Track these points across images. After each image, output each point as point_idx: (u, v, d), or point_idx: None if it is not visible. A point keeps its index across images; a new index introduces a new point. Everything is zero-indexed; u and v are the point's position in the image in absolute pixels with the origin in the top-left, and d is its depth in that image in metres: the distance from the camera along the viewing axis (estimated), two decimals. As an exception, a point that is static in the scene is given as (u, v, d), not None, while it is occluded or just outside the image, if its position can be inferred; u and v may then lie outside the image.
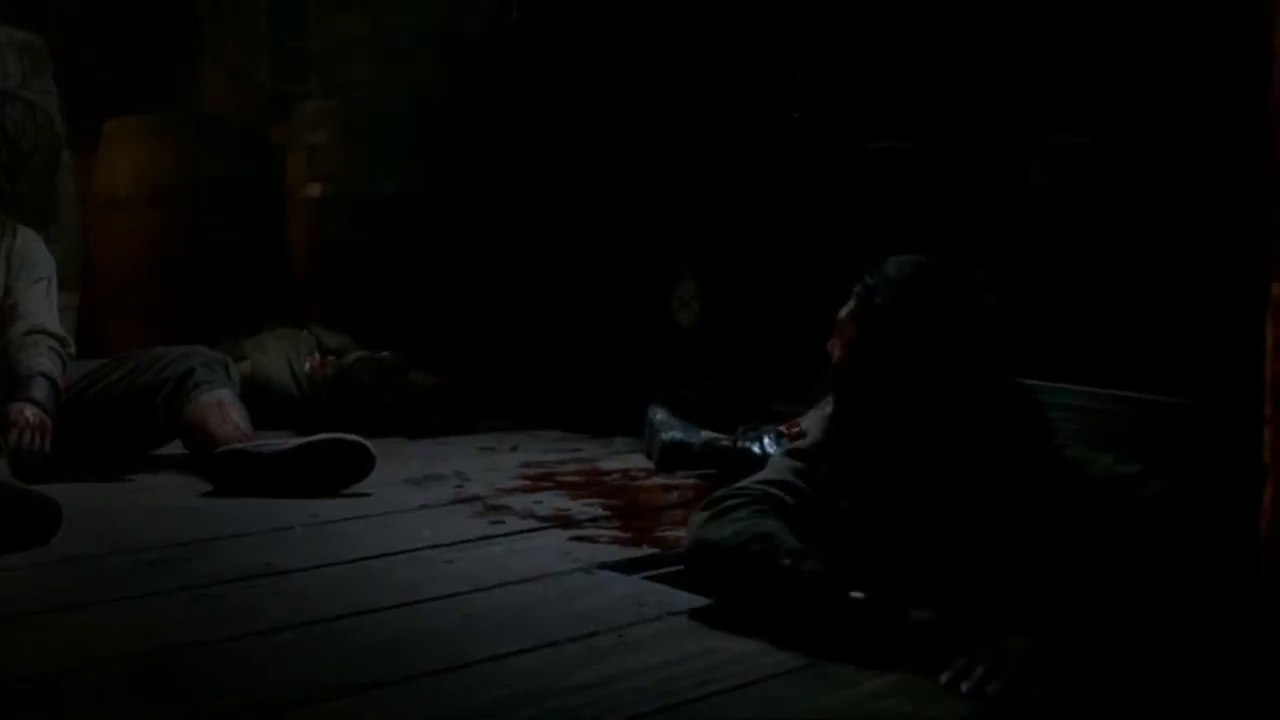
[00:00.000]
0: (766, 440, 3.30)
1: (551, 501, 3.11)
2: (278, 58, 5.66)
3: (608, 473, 3.50)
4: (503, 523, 2.86)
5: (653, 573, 2.45)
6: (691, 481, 3.34)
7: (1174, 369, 2.94)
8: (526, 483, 3.34)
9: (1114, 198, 3.26)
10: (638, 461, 3.62)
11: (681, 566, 2.29)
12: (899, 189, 3.65)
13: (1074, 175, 3.35)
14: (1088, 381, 2.46)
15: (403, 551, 2.60)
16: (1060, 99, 3.37)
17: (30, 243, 3.61)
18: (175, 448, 3.47)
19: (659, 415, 3.61)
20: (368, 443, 3.18)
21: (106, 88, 5.41)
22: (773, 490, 2.17)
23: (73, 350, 3.51)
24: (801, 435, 3.21)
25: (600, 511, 3.01)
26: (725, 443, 3.41)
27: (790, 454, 2.27)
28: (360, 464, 3.17)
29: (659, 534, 2.79)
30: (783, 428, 3.31)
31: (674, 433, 3.52)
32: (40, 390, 3.29)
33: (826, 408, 2.26)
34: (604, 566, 2.49)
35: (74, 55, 5.09)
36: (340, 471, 3.16)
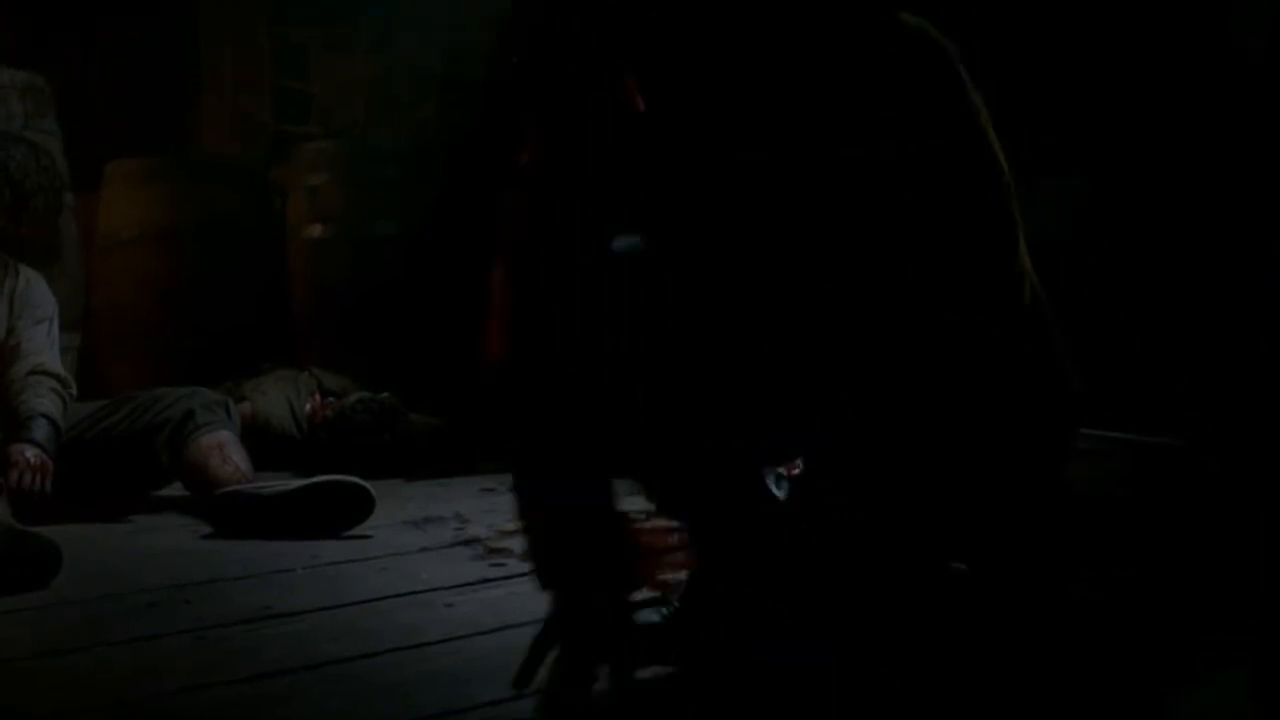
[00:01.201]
0: (768, 482, 3.30)
1: (552, 544, 3.11)
2: (279, 99, 5.70)
3: (608, 515, 3.49)
4: (504, 565, 2.86)
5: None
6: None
7: (1165, 410, 2.95)
8: (527, 525, 3.34)
9: (1110, 240, 3.28)
10: (638, 504, 3.60)
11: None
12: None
13: (1071, 218, 3.36)
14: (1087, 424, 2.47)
15: (403, 594, 2.60)
16: (1057, 142, 3.39)
17: (33, 283, 3.62)
18: (176, 489, 3.48)
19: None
20: (367, 485, 3.19)
21: (109, 129, 5.43)
22: None
23: (74, 391, 3.52)
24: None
25: (600, 554, 3.01)
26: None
27: None
28: (360, 506, 3.17)
29: (660, 577, 2.79)
30: (782, 469, 3.30)
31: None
32: (41, 431, 3.30)
33: None
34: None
35: (76, 96, 5.11)
36: (340, 513, 3.16)
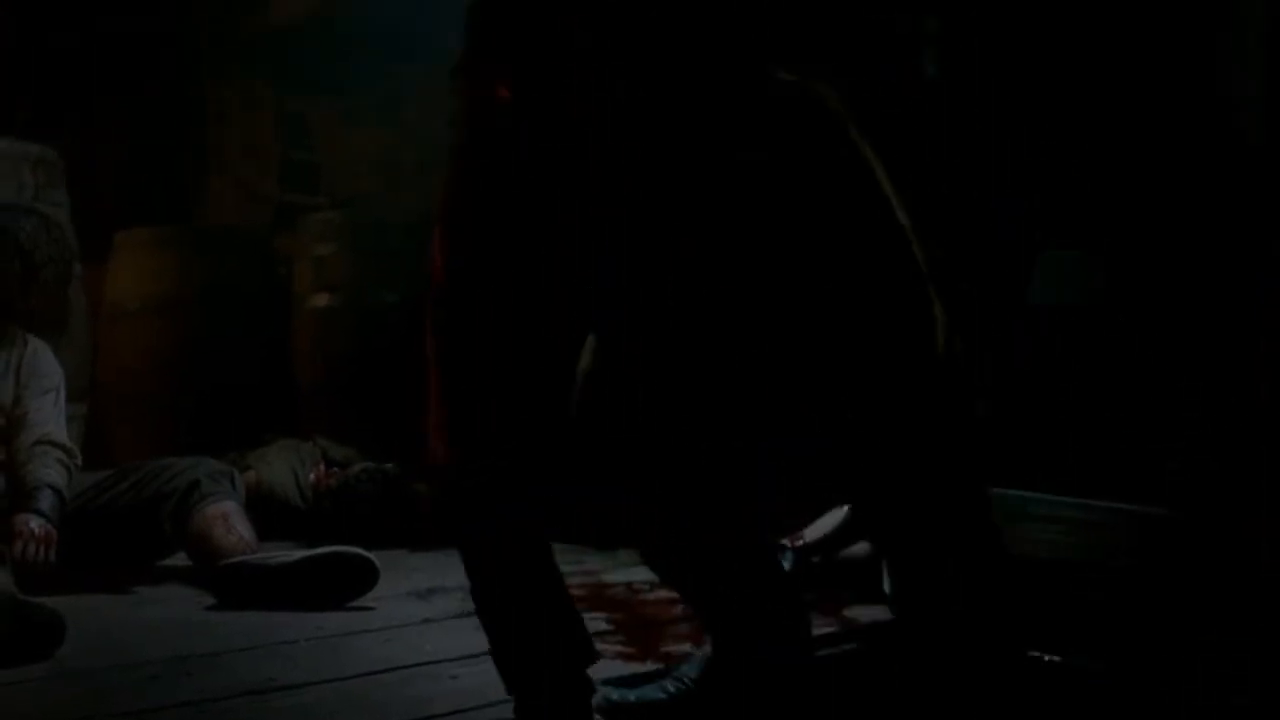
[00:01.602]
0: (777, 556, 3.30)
1: (555, 615, 3.10)
2: (285, 170, 5.75)
3: (611, 585, 3.49)
4: (507, 637, 2.85)
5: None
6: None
7: (1165, 481, 2.95)
8: (530, 596, 3.33)
9: (1111, 310, 3.29)
10: (642, 574, 3.60)
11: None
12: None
13: (1072, 288, 3.38)
14: (1080, 493, 2.48)
15: (408, 666, 2.60)
16: (1059, 213, 3.41)
17: (40, 353, 3.64)
18: (180, 559, 3.47)
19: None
20: (371, 556, 3.19)
21: (117, 200, 5.48)
22: None
23: (79, 461, 3.53)
24: (806, 547, 3.21)
25: (604, 625, 3.00)
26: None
27: None
28: (364, 577, 3.17)
29: (664, 649, 2.78)
30: (785, 540, 3.30)
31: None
32: (46, 501, 3.30)
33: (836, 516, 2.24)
34: (608, 683, 2.48)
35: (86, 167, 5.16)
36: (344, 584, 3.16)
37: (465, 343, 2.06)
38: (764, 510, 2.15)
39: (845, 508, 3.12)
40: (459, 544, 2.10)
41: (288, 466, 4.22)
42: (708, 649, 2.28)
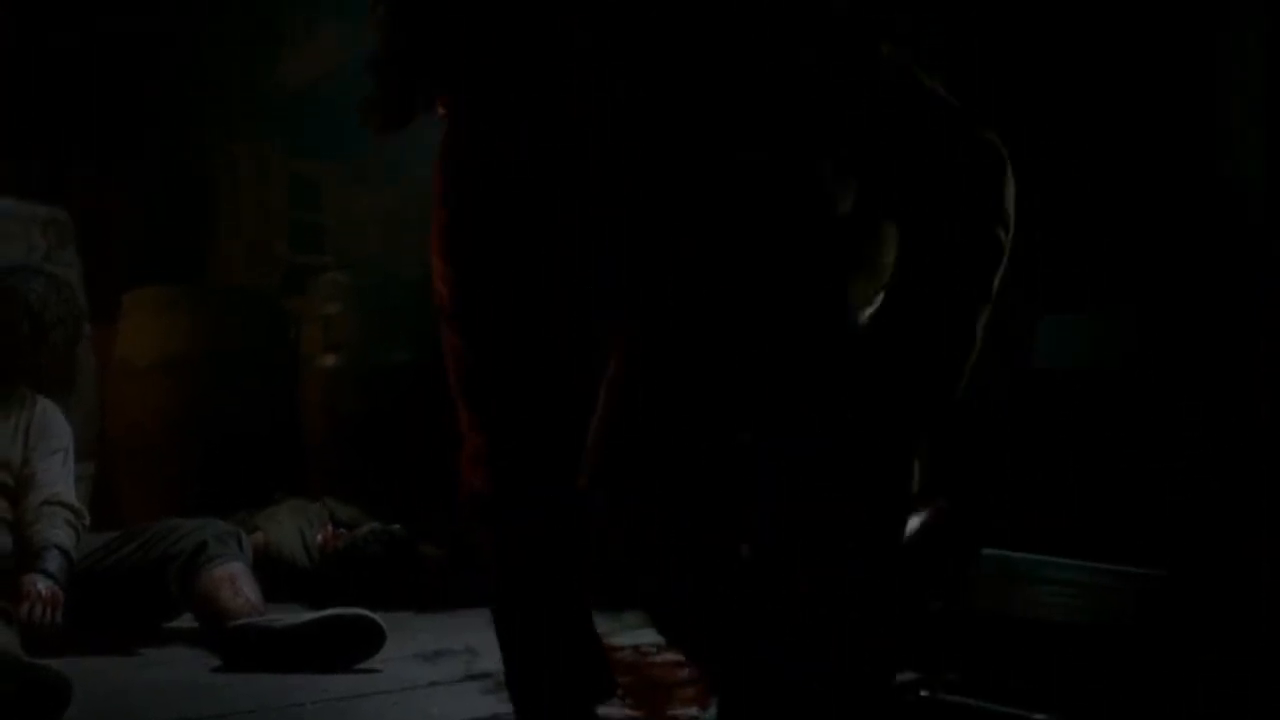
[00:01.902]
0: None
1: (563, 678, 3.09)
2: (294, 231, 5.79)
3: (619, 649, 3.48)
4: (515, 700, 2.84)
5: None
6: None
7: (1169, 544, 2.95)
8: (537, 658, 3.32)
9: (1115, 374, 3.30)
10: (649, 637, 3.59)
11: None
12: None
13: (1075, 353, 3.39)
14: (1085, 556, 2.48)
15: (414, 729, 2.59)
16: (1061, 277, 3.43)
17: (49, 413, 3.65)
18: (187, 620, 3.47)
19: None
20: (378, 618, 3.19)
21: (127, 260, 5.51)
22: None
23: (87, 521, 3.53)
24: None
25: (612, 688, 2.99)
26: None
27: None
28: (371, 639, 3.17)
29: (671, 712, 2.78)
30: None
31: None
32: (53, 562, 3.30)
33: None
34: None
35: (96, 228, 5.19)
36: (351, 646, 3.16)
37: (479, 366, 2.06)
38: (765, 511, 2.14)
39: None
40: (494, 565, 2.09)
41: (295, 527, 4.23)
42: (713, 710, 2.28)
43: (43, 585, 3.23)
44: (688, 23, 1.98)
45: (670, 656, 3.38)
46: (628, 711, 2.77)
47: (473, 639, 3.52)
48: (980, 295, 1.95)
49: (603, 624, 3.73)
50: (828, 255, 1.97)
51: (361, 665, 3.14)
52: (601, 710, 2.75)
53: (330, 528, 4.26)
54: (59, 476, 3.55)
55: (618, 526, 1.99)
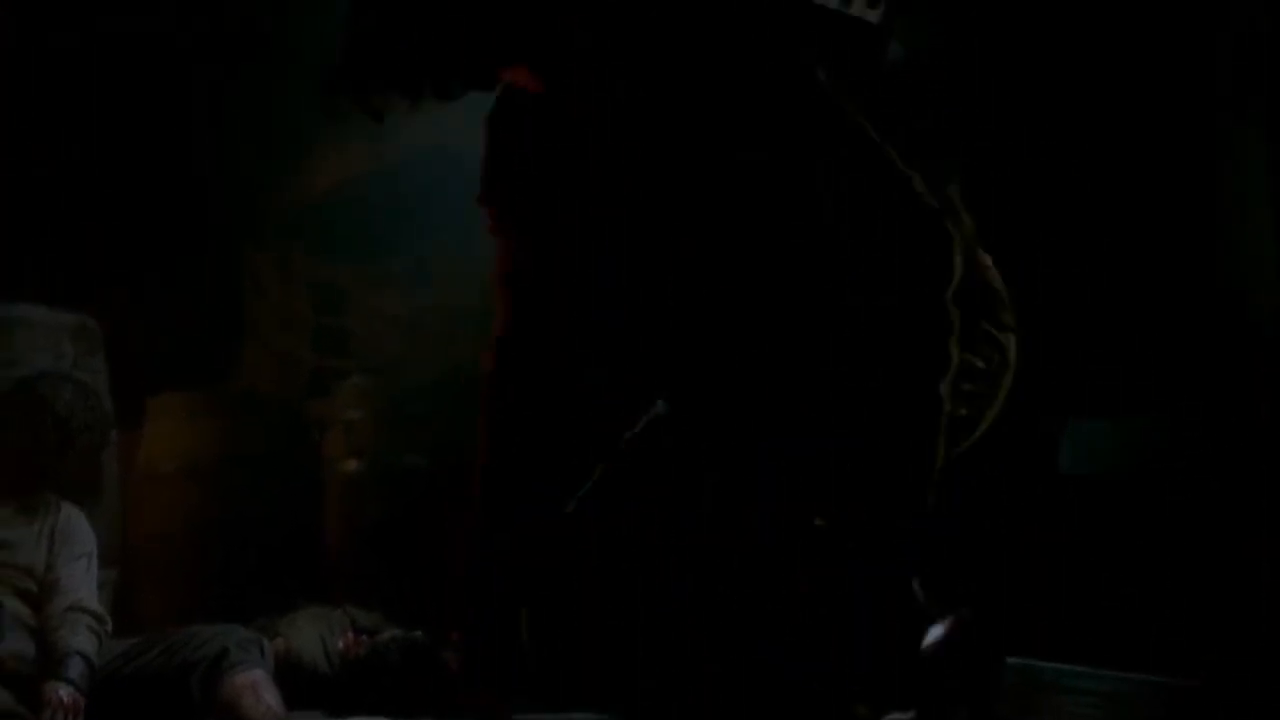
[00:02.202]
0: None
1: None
2: (318, 336, 5.83)
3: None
4: (537, 810, 2.82)
5: None
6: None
7: (1198, 652, 2.93)
8: (560, 768, 3.29)
9: (1141, 480, 3.30)
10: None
11: None
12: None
13: (1102, 457, 3.39)
14: (1113, 665, 2.47)
15: (436, 841, 2.57)
16: (1089, 382, 3.44)
17: (74, 519, 3.67)
18: (208, 728, 3.46)
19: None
20: (399, 726, 3.18)
21: (151, 365, 5.55)
22: None
23: (109, 627, 3.54)
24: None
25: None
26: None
27: None
28: (392, 747, 3.16)
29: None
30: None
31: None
32: (75, 669, 3.31)
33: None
34: None
35: (122, 334, 5.24)
36: (372, 755, 3.15)
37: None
38: (766, 511, 2.13)
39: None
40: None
41: (316, 634, 4.22)
42: None
43: (64, 692, 3.24)
44: (688, 22, 2.01)
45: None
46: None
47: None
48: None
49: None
50: (827, 255, 1.97)
51: (382, 774, 3.12)
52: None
53: (351, 634, 4.25)
54: (82, 582, 3.56)
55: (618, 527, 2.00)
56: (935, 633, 2.39)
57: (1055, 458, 3.44)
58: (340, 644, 4.20)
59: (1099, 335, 3.44)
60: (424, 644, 4.12)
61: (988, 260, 2.05)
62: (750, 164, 1.97)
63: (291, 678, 3.79)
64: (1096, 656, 2.59)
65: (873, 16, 2.81)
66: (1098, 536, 3.33)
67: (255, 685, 3.37)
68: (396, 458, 4.94)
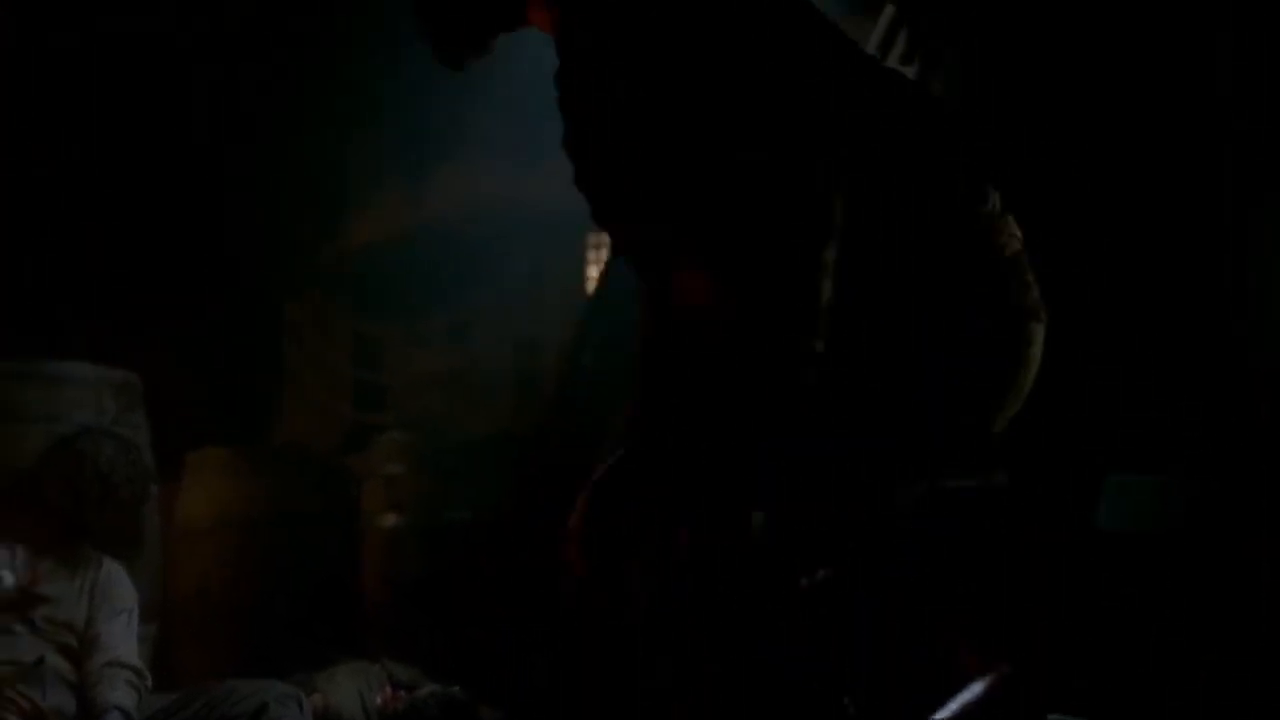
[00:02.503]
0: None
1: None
2: (357, 391, 5.87)
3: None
4: None
5: None
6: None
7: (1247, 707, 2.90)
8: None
9: (1183, 537, 3.28)
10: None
11: None
12: (965, 528, 3.68)
13: (1141, 514, 3.37)
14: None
15: None
16: (1127, 437, 3.43)
17: (114, 574, 3.69)
18: (245, 784, 3.45)
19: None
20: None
21: (192, 420, 5.59)
22: None
23: (149, 682, 3.55)
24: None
25: None
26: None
27: None
28: (431, 805, 3.15)
29: None
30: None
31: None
32: (114, 726, 3.32)
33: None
34: None
35: (162, 389, 5.28)
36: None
37: None
38: (766, 511, 2.11)
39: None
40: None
41: (354, 689, 4.21)
42: None
43: (105, 747, 3.25)
44: (688, 22, 2.01)
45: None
46: None
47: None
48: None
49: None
50: (827, 254, 1.96)
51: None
52: None
53: (390, 689, 4.24)
54: (122, 638, 3.58)
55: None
56: (976, 690, 2.37)
57: (1094, 513, 3.42)
58: (379, 699, 4.19)
59: (1138, 389, 3.43)
60: (462, 700, 4.11)
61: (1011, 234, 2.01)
62: (750, 164, 1.97)
63: (330, 733, 3.80)
64: (1136, 715, 2.56)
65: (908, 73, 2.84)
66: (1139, 594, 3.30)
67: (293, 741, 3.37)
68: (436, 512, 4.94)
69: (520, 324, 5.42)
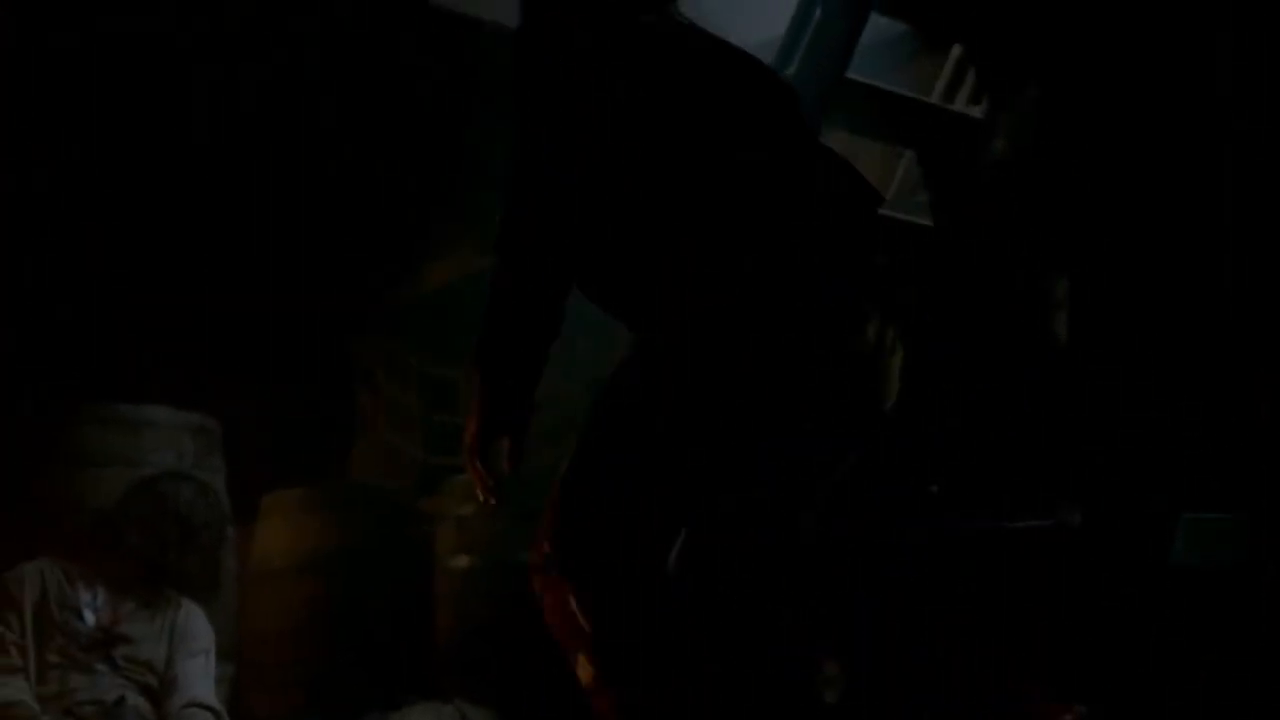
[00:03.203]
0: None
1: None
2: (428, 434, 5.90)
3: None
4: None
5: None
6: None
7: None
8: None
9: (1262, 574, 3.23)
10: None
11: None
12: (1039, 570, 3.65)
13: (1220, 553, 3.32)
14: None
15: None
16: (1204, 474, 3.39)
17: (193, 616, 3.74)
18: (321, 824, 3.48)
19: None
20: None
21: (266, 463, 5.65)
22: None
23: (226, 724, 3.59)
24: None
25: None
26: None
27: None
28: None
29: None
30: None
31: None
32: (193, 765, 3.36)
33: None
34: None
35: (238, 431, 5.35)
36: None
37: None
38: (767, 512, 2.11)
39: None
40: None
41: (427, 731, 4.24)
42: None
43: (183, 788, 3.29)
44: (687, 24, 2.02)
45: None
46: None
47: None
48: None
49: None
50: (826, 254, 1.97)
51: None
52: None
53: (462, 731, 4.26)
54: (200, 679, 3.63)
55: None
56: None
57: (1169, 549, 3.38)
58: (452, 740, 4.21)
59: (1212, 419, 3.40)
60: (535, 740, 4.12)
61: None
62: (750, 164, 1.98)
63: (404, 774, 3.81)
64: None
65: (976, 112, 2.85)
66: (1214, 632, 3.26)
67: (369, 782, 3.39)
68: (508, 553, 4.95)
69: (588, 363, 5.44)
